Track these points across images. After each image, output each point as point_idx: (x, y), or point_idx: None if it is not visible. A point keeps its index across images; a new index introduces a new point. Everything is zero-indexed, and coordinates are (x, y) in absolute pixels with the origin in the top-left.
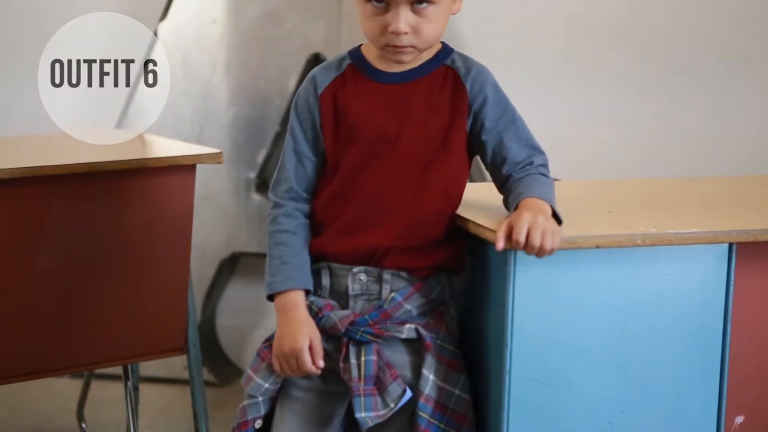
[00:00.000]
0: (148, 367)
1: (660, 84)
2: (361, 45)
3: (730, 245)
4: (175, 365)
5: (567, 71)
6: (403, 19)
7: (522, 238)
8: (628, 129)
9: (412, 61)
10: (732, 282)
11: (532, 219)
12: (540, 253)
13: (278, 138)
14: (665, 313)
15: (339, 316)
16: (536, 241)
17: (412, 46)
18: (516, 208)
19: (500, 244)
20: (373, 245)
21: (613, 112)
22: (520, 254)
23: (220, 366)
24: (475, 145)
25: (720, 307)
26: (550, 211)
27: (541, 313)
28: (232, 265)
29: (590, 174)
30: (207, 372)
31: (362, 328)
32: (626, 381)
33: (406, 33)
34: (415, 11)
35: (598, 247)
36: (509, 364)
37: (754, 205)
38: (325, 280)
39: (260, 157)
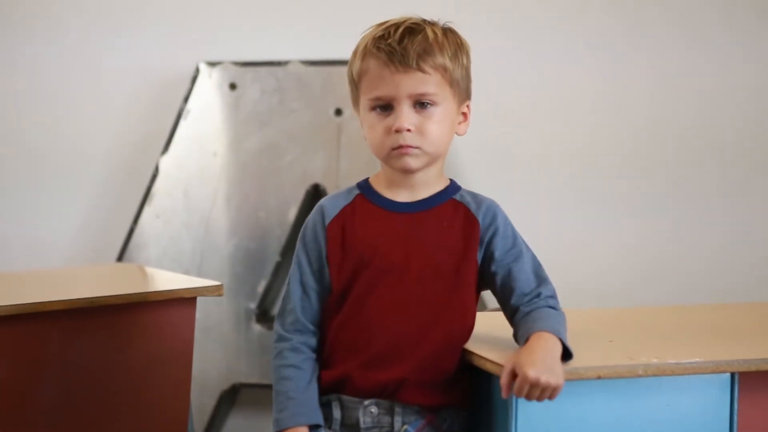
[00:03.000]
0: None
1: (662, 208)
2: (369, 177)
3: (733, 375)
4: None
5: (568, 199)
6: (407, 116)
7: (522, 395)
8: (630, 254)
9: (421, 191)
10: (735, 412)
11: (535, 378)
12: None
13: (278, 269)
14: None
15: None
16: (534, 398)
17: (418, 148)
18: (526, 341)
19: (505, 394)
20: (384, 380)
21: (614, 236)
22: None
23: None
24: (484, 276)
25: None
26: (559, 349)
27: None
28: (232, 397)
29: (592, 300)
30: None
31: None
32: None
33: (409, 130)
34: (418, 111)
35: (599, 377)
36: None
37: (755, 333)
38: (336, 413)
39: (260, 288)
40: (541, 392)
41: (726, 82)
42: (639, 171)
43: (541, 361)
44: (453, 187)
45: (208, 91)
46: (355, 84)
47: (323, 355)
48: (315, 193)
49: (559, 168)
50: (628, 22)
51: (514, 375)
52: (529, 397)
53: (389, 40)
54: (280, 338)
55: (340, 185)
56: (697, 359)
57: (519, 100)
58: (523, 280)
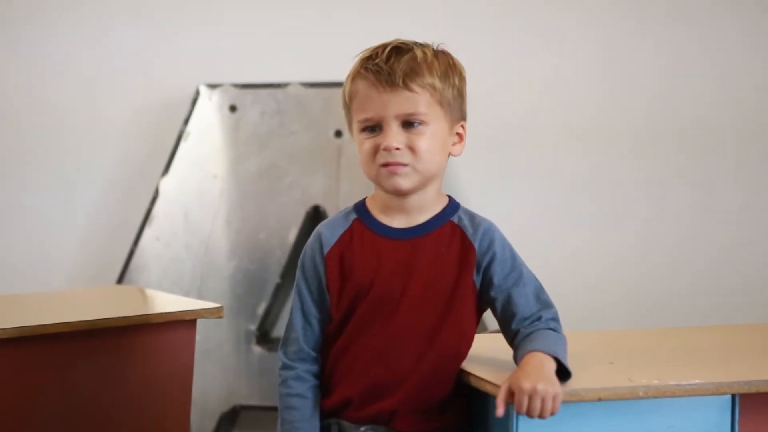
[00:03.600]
0: None
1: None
2: (365, 198)
3: (733, 396)
4: None
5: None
6: (395, 135)
7: (523, 410)
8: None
9: (417, 215)
10: None
11: (531, 388)
12: (540, 418)
13: (278, 290)
14: None
15: None
16: (536, 411)
17: (408, 165)
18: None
19: (500, 411)
20: (380, 408)
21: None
22: None
23: None
24: (484, 301)
25: None
26: (553, 367)
27: None
28: (232, 419)
29: (592, 322)
30: None
31: None
32: None
33: (398, 149)
34: (407, 131)
35: (600, 399)
36: None
37: (755, 354)
38: None
39: (260, 310)
40: (541, 403)
41: (732, 77)
42: (647, 165)
43: (534, 373)
44: (451, 208)
45: (209, 113)
46: (348, 107)
47: (323, 380)
48: (315, 214)
49: (555, 189)
50: (634, 10)
51: (511, 395)
52: (530, 412)
53: (376, 60)
54: (285, 366)
55: (340, 207)
56: (698, 381)
57: (526, 92)
58: (524, 305)
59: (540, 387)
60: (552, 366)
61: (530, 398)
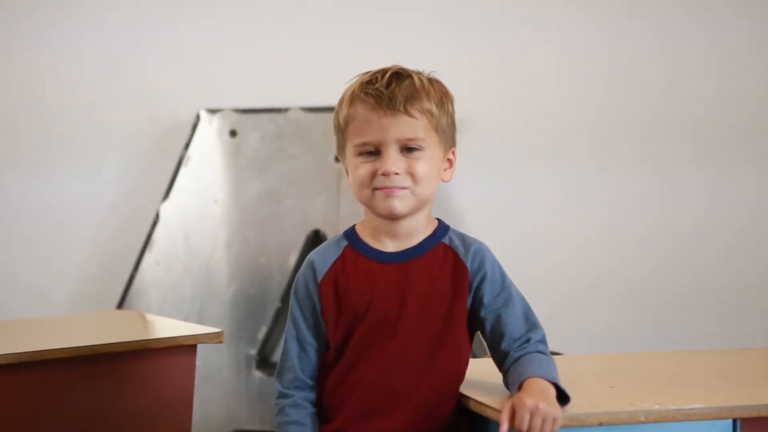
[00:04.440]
0: None
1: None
2: (354, 225)
3: (734, 421)
4: None
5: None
6: (393, 160)
7: (524, 427)
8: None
9: (407, 239)
10: None
11: (534, 405)
12: None
13: (279, 314)
14: None
15: None
16: (536, 429)
17: (407, 188)
18: (519, 388)
19: (504, 429)
20: (382, 430)
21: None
22: None
23: None
24: (474, 321)
25: None
26: (554, 393)
27: None
28: None
29: (593, 345)
30: None
31: None
32: None
33: (397, 173)
34: (405, 155)
35: (600, 424)
36: None
37: (757, 378)
38: None
39: (261, 334)
40: (542, 422)
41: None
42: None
43: (537, 394)
44: (442, 230)
45: (209, 138)
46: (342, 131)
47: (321, 408)
48: (315, 238)
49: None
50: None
51: (512, 413)
52: (531, 429)
53: (377, 85)
54: (281, 395)
55: (340, 231)
56: (699, 405)
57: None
58: (513, 325)
59: (542, 406)
60: (553, 392)
61: (532, 415)
